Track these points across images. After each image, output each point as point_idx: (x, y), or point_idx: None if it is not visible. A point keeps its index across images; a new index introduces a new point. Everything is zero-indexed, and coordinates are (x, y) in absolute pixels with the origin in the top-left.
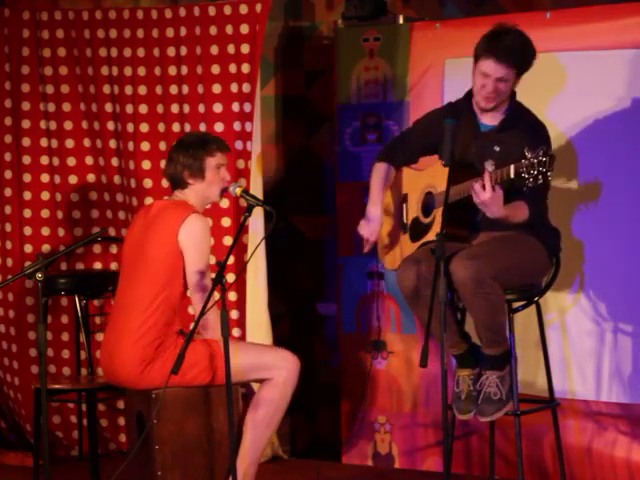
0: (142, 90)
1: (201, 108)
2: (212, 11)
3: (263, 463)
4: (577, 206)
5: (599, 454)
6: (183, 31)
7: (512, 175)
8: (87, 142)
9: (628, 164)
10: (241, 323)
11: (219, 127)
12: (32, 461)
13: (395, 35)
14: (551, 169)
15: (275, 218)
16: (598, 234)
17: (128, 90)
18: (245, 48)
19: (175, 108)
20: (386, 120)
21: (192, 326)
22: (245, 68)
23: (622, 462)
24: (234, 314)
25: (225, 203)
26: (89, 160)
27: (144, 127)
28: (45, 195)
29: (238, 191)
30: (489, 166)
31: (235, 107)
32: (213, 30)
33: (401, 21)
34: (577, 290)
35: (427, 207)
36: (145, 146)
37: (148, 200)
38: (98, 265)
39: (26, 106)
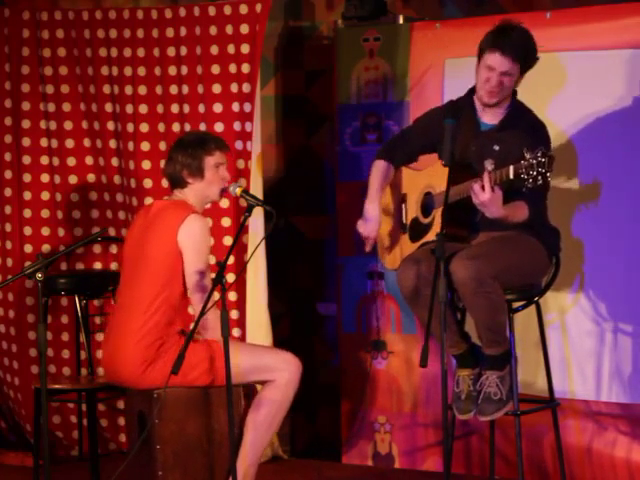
0: (142, 90)
1: (201, 108)
2: (212, 11)
3: (263, 463)
4: (577, 206)
5: (599, 454)
6: (183, 31)
7: (511, 176)
8: (87, 142)
9: (628, 163)
10: (241, 323)
11: (219, 127)
12: (32, 461)
13: (395, 35)
14: (550, 170)
15: (275, 218)
16: (598, 234)
17: (128, 90)
18: (245, 48)
19: (175, 108)
20: (386, 120)
21: (192, 326)
22: (245, 68)
23: (622, 462)
24: (234, 314)
25: (225, 203)
26: (89, 160)
27: (144, 127)
28: (45, 195)
29: (238, 191)
30: (489, 165)
31: (235, 107)
32: (213, 30)
33: (401, 21)
34: (577, 290)
35: (426, 207)
36: (145, 146)
37: (148, 200)
38: (98, 265)
39: (26, 106)
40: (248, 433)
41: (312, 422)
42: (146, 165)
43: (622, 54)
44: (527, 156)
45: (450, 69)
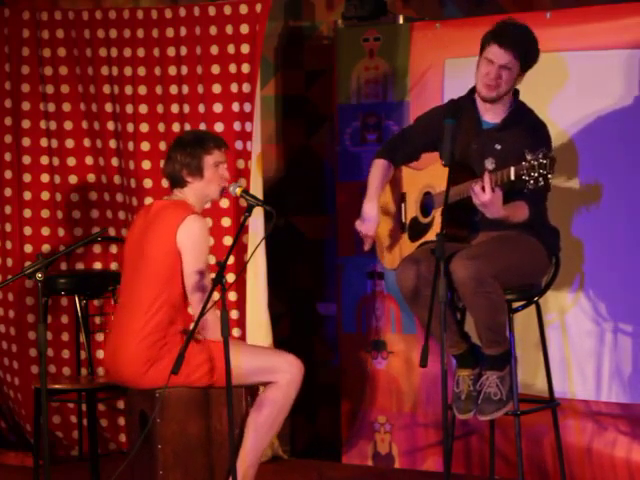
0: (142, 90)
1: (201, 108)
2: (212, 11)
3: (263, 463)
4: (578, 208)
5: (599, 454)
6: (183, 31)
7: (512, 177)
8: (87, 142)
9: (628, 163)
10: (241, 323)
11: (219, 127)
12: (32, 461)
13: (395, 35)
14: (552, 171)
15: (275, 218)
16: (598, 234)
17: (128, 90)
18: (245, 48)
19: (175, 108)
20: (386, 120)
21: (192, 326)
22: (245, 68)
23: (622, 462)
24: (234, 314)
25: (225, 203)
26: (89, 160)
27: (144, 127)
28: (45, 195)
29: (238, 191)
30: (489, 164)
31: (235, 107)
32: (213, 30)
33: (401, 21)
34: (577, 290)
35: (426, 207)
36: (145, 146)
37: (148, 200)
38: (98, 265)
39: (26, 106)
40: (249, 434)
41: (312, 422)
42: (146, 165)
43: (622, 54)
44: (528, 157)
45: (450, 69)
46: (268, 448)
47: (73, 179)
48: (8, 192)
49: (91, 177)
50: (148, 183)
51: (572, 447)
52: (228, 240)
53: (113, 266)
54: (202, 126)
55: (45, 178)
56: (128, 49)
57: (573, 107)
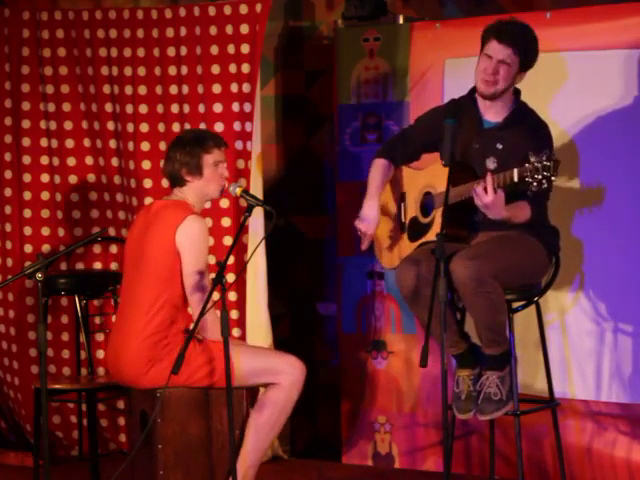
0: (142, 90)
1: (201, 108)
2: (212, 11)
3: (263, 463)
4: (581, 210)
5: (599, 454)
6: (183, 31)
7: (516, 179)
8: (87, 142)
9: (628, 163)
10: (241, 323)
11: (219, 127)
12: (32, 461)
13: (395, 35)
14: (555, 174)
15: (275, 218)
16: (597, 233)
17: (128, 90)
18: (245, 48)
19: (175, 108)
20: (386, 120)
21: (192, 326)
22: (245, 68)
23: (622, 462)
24: (234, 314)
25: (225, 203)
26: (89, 160)
27: (144, 127)
28: (45, 195)
29: (238, 191)
30: (491, 164)
31: (235, 107)
32: (213, 30)
33: (401, 21)
34: (577, 290)
35: (426, 207)
36: (145, 146)
37: (148, 200)
38: (98, 265)
39: (26, 106)
40: (250, 434)
41: (312, 422)
42: (146, 165)
43: (622, 54)
44: (532, 159)
45: (450, 69)
46: (268, 448)
47: (73, 179)
48: (8, 192)
49: (91, 177)
50: (148, 183)
51: (572, 447)
52: (228, 240)
53: (113, 266)
54: (202, 126)
55: (45, 178)
56: (128, 49)
57: (573, 107)
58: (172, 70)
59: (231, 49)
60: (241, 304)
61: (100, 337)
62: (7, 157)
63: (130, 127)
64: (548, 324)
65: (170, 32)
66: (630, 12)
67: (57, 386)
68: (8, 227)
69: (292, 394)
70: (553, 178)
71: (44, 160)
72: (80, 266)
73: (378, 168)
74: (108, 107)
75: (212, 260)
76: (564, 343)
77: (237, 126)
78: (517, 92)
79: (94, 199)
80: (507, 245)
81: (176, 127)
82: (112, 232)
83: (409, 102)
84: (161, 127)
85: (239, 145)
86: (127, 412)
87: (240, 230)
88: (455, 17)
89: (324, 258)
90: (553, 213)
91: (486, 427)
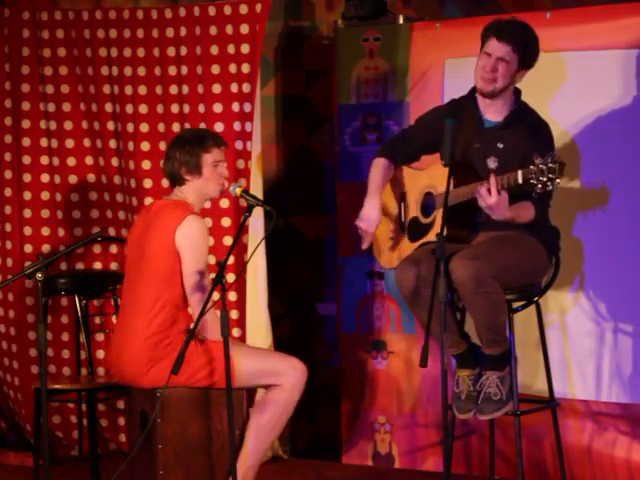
0: (142, 90)
1: (201, 108)
2: (212, 11)
3: (263, 463)
4: (582, 210)
5: (599, 454)
6: (183, 31)
7: (520, 181)
8: (87, 142)
9: (628, 163)
10: (241, 323)
11: (219, 127)
12: (32, 461)
13: (395, 35)
14: (561, 176)
15: (275, 218)
16: (598, 233)
17: (128, 90)
18: (245, 48)
19: (175, 108)
20: (386, 120)
21: (192, 326)
22: (245, 68)
23: (622, 462)
24: (234, 314)
25: (225, 203)
26: (89, 160)
27: (144, 127)
28: (45, 195)
29: (238, 191)
30: (492, 163)
31: (235, 107)
32: (213, 30)
33: (401, 21)
34: (577, 290)
35: (427, 207)
36: (145, 146)
37: (148, 200)
38: (98, 265)
39: (26, 106)
40: (250, 435)
41: (312, 422)
42: (146, 165)
43: (622, 54)
44: (537, 161)
45: (450, 69)
46: (268, 449)
47: (73, 179)
48: (8, 192)
49: (91, 177)
50: (148, 183)
51: (572, 447)
52: (228, 240)
53: (113, 266)
54: (202, 126)
55: (45, 178)
56: (128, 49)
57: (573, 107)
58: (172, 70)
59: (231, 49)
60: (241, 304)
61: (100, 337)
62: (7, 157)
63: (130, 127)
64: (548, 324)
65: (170, 32)
66: (630, 12)
67: (57, 386)
68: (8, 227)
69: (293, 396)
70: (558, 180)
71: (44, 160)
72: (80, 266)
73: (378, 167)
74: (108, 107)
75: (212, 260)
76: (564, 343)
77: (237, 126)
78: (517, 92)
79: (94, 199)
80: (507, 245)
81: (176, 127)
82: (112, 232)
83: (409, 102)
84: (161, 127)
85: (239, 145)
86: (127, 412)
87: (240, 230)
88: (455, 17)
89: (324, 258)
90: (554, 213)
91: (486, 427)
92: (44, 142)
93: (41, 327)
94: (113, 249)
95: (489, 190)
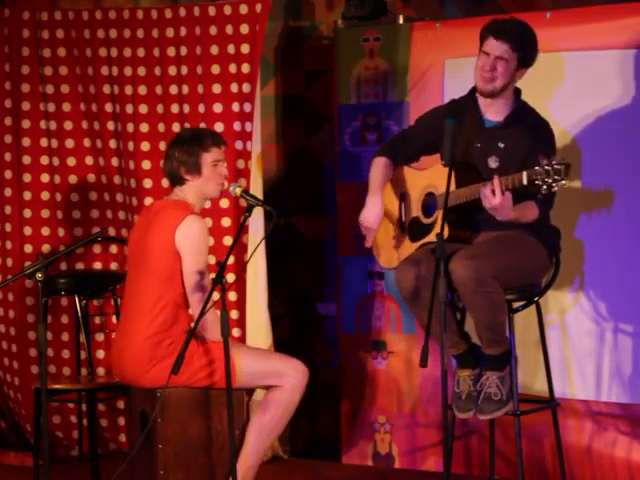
0: (142, 90)
1: (201, 108)
2: (212, 11)
3: (263, 463)
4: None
5: (599, 454)
6: (183, 31)
7: (525, 182)
8: (87, 142)
9: (628, 163)
10: (241, 323)
11: (219, 127)
12: (32, 461)
13: (395, 35)
14: (566, 177)
15: (275, 218)
16: (598, 234)
17: (128, 90)
18: (245, 48)
19: (175, 108)
20: (386, 120)
21: (192, 326)
22: (245, 68)
23: (622, 462)
24: (234, 314)
25: (225, 203)
26: (89, 160)
27: (144, 127)
28: (45, 195)
29: (238, 191)
30: (493, 163)
31: (235, 107)
32: (213, 30)
33: (401, 21)
34: (577, 290)
35: (428, 207)
36: (145, 146)
37: (148, 200)
38: (98, 265)
39: (26, 106)
40: (251, 435)
41: (312, 422)
42: (146, 165)
43: (622, 54)
44: (543, 162)
45: (450, 69)
46: (268, 449)
47: (73, 179)
48: (8, 192)
49: (91, 177)
50: (148, 183)
51: (572, 447)
52: (228, 240)
53: (113, 266)
54: (202, 126)
55: (45, 178)
56: (128, 49)
57: (573, 107)
58: (172, 70)
59: (231, 49)
60: (241, 304)
61: (100, 337)
62: (7, 157)
63: (130, 127)
64: (548, 324)
65: (170, 32)
66: (630, 12)
67: (57, 386)
68: (8, 227)
69: (294, 397)
70: (564, 182)
71: (44, 160)
72: (80, 266)
73: (379, 166)
74: (108, 107)
75: (212, 260)
76: (564, 343)
77: (237, 126)
78: (518, 91)
79: (94, 199)
80: (507, 245)
81: (176, 127)
82: (112, 232)
83: (409, 102)
84: (161, 127)
85: (239, 145)
86: (127, 412)
87: (240, 230)
88: (455, 17)
89: (324, 258)
90: (554, 213)
91: (486, 427)
92: (44, 142)
93: (41, 327)
94: (113, 249)
95: (493, 191)
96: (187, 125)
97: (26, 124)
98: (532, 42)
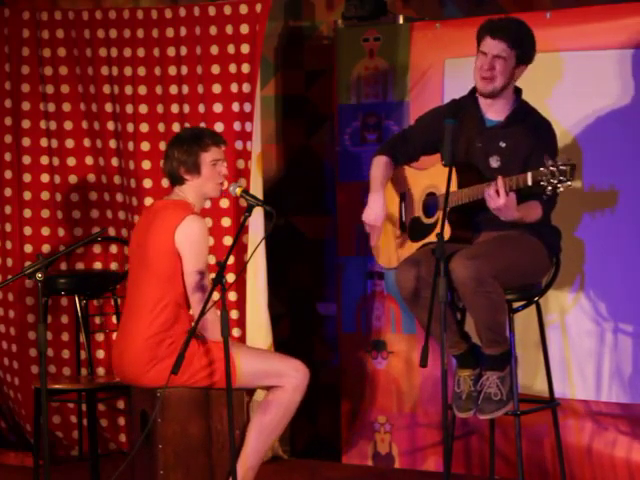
0: (142, 90)
1: (201, 108)
2: (212, 11)
3: (263, 463)
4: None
5: (599, 454)
6: (183, 31)
7: (530, 183)
8: (87, 142)
9: (628, 163)
10: (241, 323)
11: (219, 127)
12: (32, 461)
13: (395, 35)
14: (572, 178)
15: (275, 218)
16: (599, 234)
17: (128, 90)
18: (245, 48)
19: (175, 108)
20: (386, 120)
21: (192, 326)
22: (245, 68)
23: (622, 462)
24: (234, 314)
25: (225, 203)
26: (89, 160)
27: (144, 127)
28: (45, 195)
29: (238, 191)
30: (494, 162)
31: (235, 107)
32: (213, 30)
33: (401, 21)
34: (577, 290)
35: (429, 207)
36: (145, 146)
37: (148, 200)
38: (98, 265)
39: (26, 106)
40: (251, 435)
41: (312, 422)
42: (146, 165)
43: (622, 54)
44: (549, 163)
45: (450, 69)
46: (268, 449)
47: (73, 179)
48: (8, 192)
49: (91, 177)
50: (148, 183)
51: (572, 447)
52: (228, 240)
53: (113, 266)
54: (202, 126)
55: (45, 178)
56: (128, 49)
57: (573, 107)
58: (172, 70)
59: (231, 49)
60: (241, 304)
61: (100, 337)
62: (7, 157)
63: (130, 127)
64: (548, 324)
65: (170, 32)
66: (630, 12)
67: (57, 386)
68: (8, 227)
69: (295, 397)
70: (569, 183)
71: (44, 160)
72: (80, 266)
73: (379, 164)
74: (108, 107)
75: (212, 260)
76: (564, 343)
77: (237, 126)
78: (518, 91)
79: (94, 199)
80: (507, 245)
81: (176, 127)
82: (112, 232)
83: (409, 102)
84: (161, 127)
85: (239, 145)
86: (127, 412)
87: (240, 230)
88: (455, 17)
89: (324, 258)
90: (555, 213)
91: (486, 427)
92: (44, 142)
93: (41, 327)
94: (113, 249)
95: (497, 192)
96: (187, 125)
97: (26, 124)
98: (529, 38)
